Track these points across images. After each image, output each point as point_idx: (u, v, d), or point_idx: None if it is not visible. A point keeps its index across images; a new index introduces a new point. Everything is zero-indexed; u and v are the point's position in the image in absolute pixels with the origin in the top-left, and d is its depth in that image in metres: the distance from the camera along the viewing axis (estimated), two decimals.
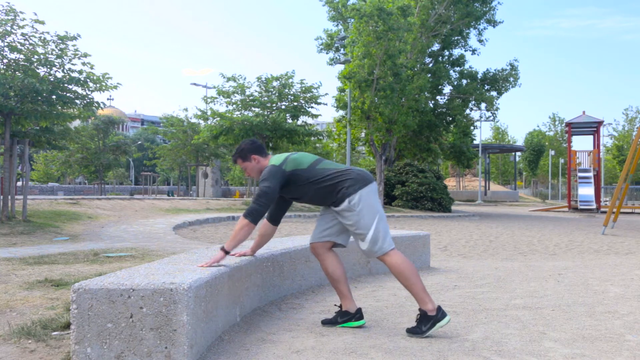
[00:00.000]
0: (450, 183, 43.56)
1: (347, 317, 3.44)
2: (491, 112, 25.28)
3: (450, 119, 24.25)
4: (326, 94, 22.84)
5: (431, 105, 23.97)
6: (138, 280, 2.66)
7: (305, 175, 3.36)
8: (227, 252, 3.29)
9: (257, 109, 19.74)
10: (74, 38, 10.96)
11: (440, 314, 3.22)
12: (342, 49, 22.98)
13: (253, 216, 3.27)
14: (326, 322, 3.48)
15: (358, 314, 3.46)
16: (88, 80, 11.09)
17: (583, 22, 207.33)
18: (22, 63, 10.62)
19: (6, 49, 10.54)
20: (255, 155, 3.50)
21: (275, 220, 3.64)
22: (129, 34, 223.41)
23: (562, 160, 50.78)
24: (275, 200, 3.47)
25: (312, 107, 20.30)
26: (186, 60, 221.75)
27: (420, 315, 3.25)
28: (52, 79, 10.80)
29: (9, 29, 10.45)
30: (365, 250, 3.33)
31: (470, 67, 24.84)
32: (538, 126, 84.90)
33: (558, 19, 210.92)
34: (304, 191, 3.40)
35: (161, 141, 62.08)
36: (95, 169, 32.80)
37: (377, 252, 3.30)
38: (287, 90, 19.58)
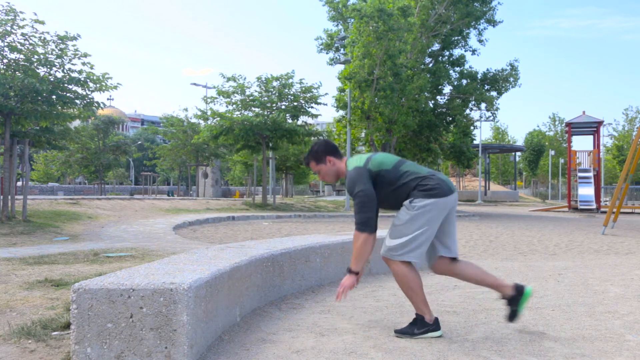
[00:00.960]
0: None
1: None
2: (491, 112, 25.28)
3: (450, 119, 24.24)
4: (326, 94, 22.84)
5: (431, 105, 23.97)
6: (138, 280, 2.66)
7: (390, 176, 3.16)
8: (357, 273, 3.09)
9: (257, 109, 19.73)
10: (74, 38, 10.96)
11: (435, 325, 3.19)
12: (342, 49, 22.98)
13: (368, 225, 3.08)
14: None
15: (517, 288, 3.25)
16: (88, 80, 11.09)
17: (583, 22, 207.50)
18: (22, 63, 10.62)
19: (6, 49, 10.54)
20: (331, 157, 3.31)
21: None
22: (129, 34, 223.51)
23: (562, 160, 50.76)
24: None
25: (312, 107, 20.30)
26: (186, 60, 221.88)
27: (417, 319, 3.22)
28: (52, 79, 10.80)
29: (9, 29, 10.45)
30: (385, 250, 3.17)
31: (470, 67, 24.86)
32: (538, 126, 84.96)
33: (558, 19, 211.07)
34: (387, 194, 3.19)
35: (161, 141, 62.08)
36: (95, 169, 32.80)
37: (393, 255, 3.13)
38: (287, 90, 19.57)
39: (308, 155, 3.38)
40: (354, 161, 3.24)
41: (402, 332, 3.20)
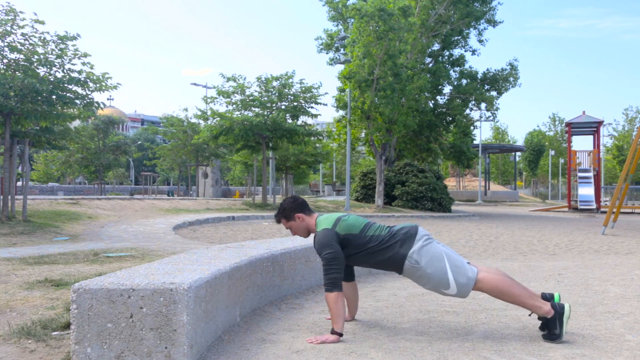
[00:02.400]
0: (450, 183, 43.54)
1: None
2: (491, 112, 25.28)
3: (450, 119, 24.24)
4: (326, 93, 22.84)
5: (431, 105, 23.96)
6: (138, 280, 2.66)
7: (357, 241, 3.28)
8: (341, 334, 3.13)
9: (257, 109, 19.72)
10: (74, 38, 10.95)
11: (558, 307, 3.12)
12: (342, 49, 22.97)
13: (336, 285, 3.15)
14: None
15: (555, 308, 3.13)
16: (88, 80, 11.08)
17: (582, 22, 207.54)
18: (22, 63, 10.62)
19: (6, 49, 10.53)
20: (300, 214, 3.43)
21: (349, 276, 3.56)
22: (129, 34, 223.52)
23: (562, 160, 50.77)
24: None
25: (312, 107, 20.28)
26: (186, 60, 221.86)
27: (542, 322, 3.18)
28: (52, 79, 10.80)
29: (9, 29, 10.45)
30: (455, 293, 3.19)
31: (470, 67, 24.85)
32: (538, 126, 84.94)
33: (557, 19, 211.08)
34: (358, 258, 3.32)
35: (161, 141, 62.06)
36: (95, 169, 32.78)
37: (468, 286, 3.16)
38: (287, 90, 19.56)
39: (278, 213, 3.50)
40: (323, 222, 3.35)
41: (550, 339, 3.12)
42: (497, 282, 3.17)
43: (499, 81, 24.14)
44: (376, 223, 3.43)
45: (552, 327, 3.12)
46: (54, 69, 10.90)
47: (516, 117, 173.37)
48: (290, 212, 3.45)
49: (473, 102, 24.32)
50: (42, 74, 10.81)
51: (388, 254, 3.25)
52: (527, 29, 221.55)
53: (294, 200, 3.49)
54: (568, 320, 3.13)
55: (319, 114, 22.08)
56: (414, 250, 3.21)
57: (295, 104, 19.93)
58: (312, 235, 3.63)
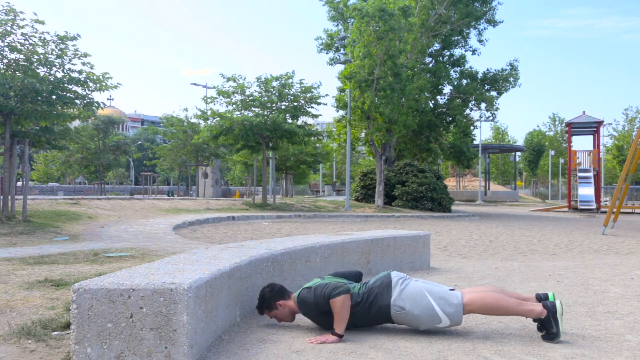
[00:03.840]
0: (450, 183, 43.54)
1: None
2: (491, 112, 25.30)
3: (450, 119, 24.25)
4: (326, 94, 22.82)
5: (431, 105, 23.97)
6: (138, 280, 2.66)
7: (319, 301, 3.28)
8: (341, 336, 3.15)
9: (257, 109, 19.72)
10: (74, 38, 10.95)
11: (550, 305, 3.13)
12: (342, 49, 22.97)
13: (341, 292, 3.18)
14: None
15: (547, 307, 3.15)
16: (88, 80, 11.08)
17: (581, 22, 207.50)
18: (22, 63, 10.62)
19: (6, 49, 10.53)
20: (280, 301, 3.42)
21: (357, 280, 3.61)
22: (129, 34, 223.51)
23: (562, 160, 50.75)
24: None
25: (312, 107, 20.28)
26: (185, 60, 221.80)
27: (538, 323, 3.21)
28: (52, 79, 10.79)
29: (9, 29, 10.44)
30: (449, 324, 3.24)
31: (470, 67, 24.85)
32: (538, 126, 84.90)
33: (556, 19, 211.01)
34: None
35: (161, 141, 62.07)
36: (95, 169, 32.79)
37: (458, 313, 3.21)
38: (287, 91, 19.56)
39: (259, 306, 3.46)
40: (301, 289, 3.39)
41: (549, 339, 3.13)
42: (484, 300, 3.22)
43: (499, 81, 24.15)
44: (352, 283, 3.45)
45: (548, 327, 3.14)
46: (54, 69, 10.89)
47: (516, 117, 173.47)
48: (271, 301, 3.41)
49: (473, 102, 24.34)
50: (42, 74, 10.81)
51: (374, 311, 3.29)
52: (526, 29, 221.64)
53: (271, 290, 3.44)
54: (562, 317, 3.14)
55: (319, 114, 22.09)
56: (394, 297, 3.25)
57: (295, 104, 19.93)
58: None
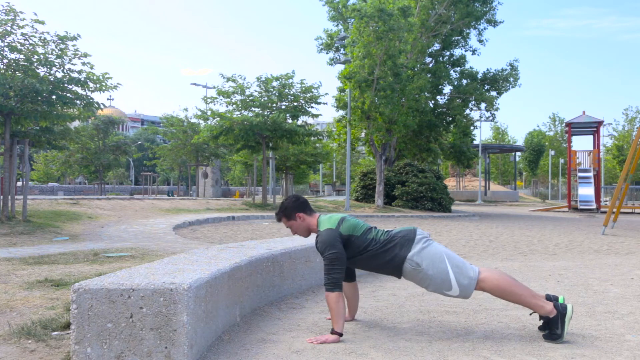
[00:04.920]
0: (450, 183, 43.54)
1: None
2: (491, 112, 25.29)
3: (450, 119, 24.24)
4: (326, 94, 22.81)
5: (431, 105, 23.96)
6: (138, 280, 2.66)
7: (358, 243, 3.28)
8: (341, 334, 3.13)
9: (257, 109, 19.72)
10: (74, 38, 10.95)
11: (561, 307, 3.11)
12: (342, 49, 22.97)
13: (336, 285, 3.15)
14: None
15: (558, 308, 3.13)
16: (88, 80, 11.08)
17: (579, 22, 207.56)
18: (22, 63, 10.61)
19: (6, 49, 10.53)
20: (301, 214, 3.41)
21: (350, 277, 3.56)
22: (129, 34, 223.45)
23: (562, 160, 50.76)
24: None
25: (312, 107, 20.28)
26: (185, 60, 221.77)
27: (544, 321, 3.18)
28: (52, 79, 10.79)
29: (9, 29, 10.44)
30: (458, 294, 3.19)
31: (470, 67, 24.85)
32: (538, 126, 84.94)
33: (554, 19, 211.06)
34: (357, 261, 3.32)
35: (161, 141, 62.07)
36: (95, 169, 32.79)
37: (470, 286, 3.17)
38: (287, 91, 19.55)
39: (279, 211, 3.48)
40: (326, 222, 3.34)
41: (550, 339, 3.12)
42: (499, 281, 3.16)
43: (499, 81, 24.15)
44: (376, 227, 3.44)
45: (553, 327, 3.12)
46: (54, 69, 10.89)
47: (516, 117, 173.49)
48: (292, 211, 3.43)
49: (473, 102, 24.33)
50: (42, 74, 10.81)
51: (387, 257, 3.24)
52: (525, 29, 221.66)
53: (296, 200, 3.47)
54: (570, 321, 3.12)
55: (319, 114, 22.08)
56: (413, 252, 3.21)
57: (295, 104, 19.92)
58: (312, 235, 3.63)
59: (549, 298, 3.26)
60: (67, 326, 3.20)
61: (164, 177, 59.22)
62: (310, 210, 3.48)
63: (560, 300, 3.23)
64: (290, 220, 3.45)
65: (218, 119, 19.25)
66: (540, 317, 3.21)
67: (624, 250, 9.93)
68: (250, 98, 19.48)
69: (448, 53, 24.78)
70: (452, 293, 3.19)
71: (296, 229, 3.47)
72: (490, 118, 27.78)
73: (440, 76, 23.05)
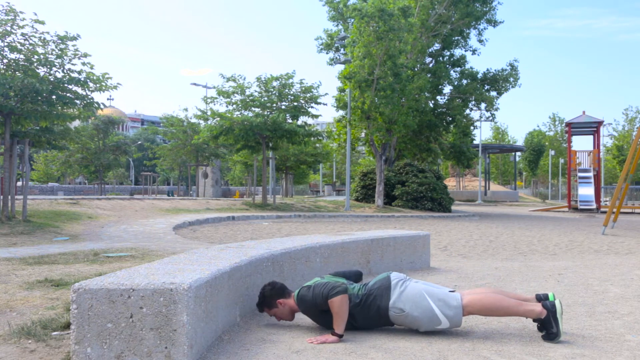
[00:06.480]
0: (450, 183, 43.53)
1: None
2: (491, 112, 25.29)
3: (450, 119, 24.25)
4: (326, 94, 22.82)
5: (431, 105, 23.97)
6: (138, 280, 2.66)
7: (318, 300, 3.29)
8: (341, 336, 3.14)
9: (257, 109, 19.72)
10: (74, 38, 10.95)
11: (549, 305, 3.14)
12: (342, 49, 22.97)
13: (340, 292, 3.18)
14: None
15: (547, 307, 3.16)
16: (88, 80, 11.08)
17: (578, 22, 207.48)
18: (22, 63, 10.61)
19: (6, 49, 10.53)
20: (281, 299, 3.41)
21: (356, 280, 3.62)
22: (129, 34, 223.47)
23: (562, 160, 50.76)
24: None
25: (312, 107, 20.28)
26: (185, 60, 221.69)
27: (538, 324, 3.21)
28: (52, 79, 10.79)
29: (9, 29, 10.44)
30: (449, 325, 3.24)
31: (470, 67, 24.86)
32: (538, 126, 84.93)
33: (553, 19, 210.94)
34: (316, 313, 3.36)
35: (161, 141, 62.07)
36: (95, 169, 32.80)
37: (458, 315, 3.21)
38: (287, 91, 19.56)
39: (259, 303, 3.46)
40: (301, 288, 3.39)
41: (549, 339, 3.13)
42: (483, 302, 3.22)
43: (499, 81, 24.15)
44: (352, 283, 3.44)
45: (548, 327, 3.14)
46: (54, 69, 10.89)
47: (516, 117, 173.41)
48: (272, 299, 3.41)
49: (473, 102, 24.34)
50: (42, 74, 10.81)
51: (372, 312, 3.29)
52: (525, 29, 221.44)
53: (272, 287, 3.44)
54: (562, 316, 3.15)
55: (319, 114, 22.09)
56: (393, 299, 3.25)
57: (295, 104, 19.92)
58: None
59: (539, 297, 3.29)
60: (67, 326, 3.20)
61: (164, 177, 59.22)
62: (288, 292, 3.47)
63: (550, 298, 3.25)
64: (272, 309, 3.43)
65: (218, 119, 19.25)
66: (534, 320, 3.23)
67: (624, 250, 9.93)
68: (250, 98, 19.48)
69: (448, 53, 24.78)
70: (443, 326, 3.24)
71: (280, 315, 3.44)
72: (490, 118, 27.77)
73: (440, 76, 23.05)
